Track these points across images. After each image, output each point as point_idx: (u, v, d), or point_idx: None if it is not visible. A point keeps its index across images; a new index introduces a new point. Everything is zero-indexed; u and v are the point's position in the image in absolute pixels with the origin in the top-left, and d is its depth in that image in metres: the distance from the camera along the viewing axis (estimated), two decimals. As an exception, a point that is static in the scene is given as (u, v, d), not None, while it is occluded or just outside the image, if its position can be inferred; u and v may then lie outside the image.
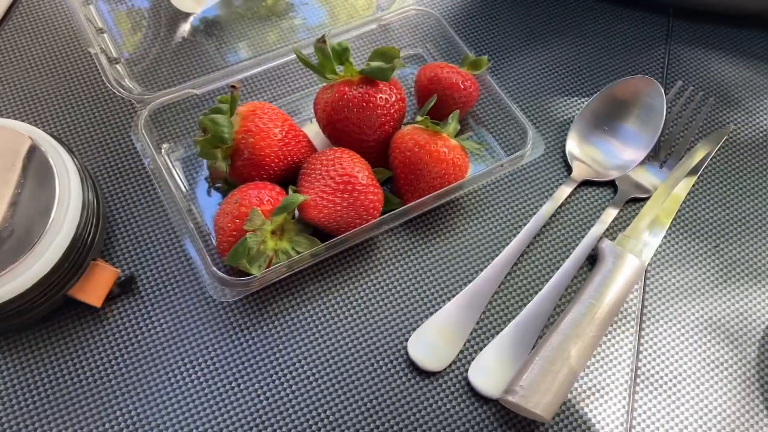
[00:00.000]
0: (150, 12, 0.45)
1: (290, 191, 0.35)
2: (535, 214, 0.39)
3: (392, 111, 0.37)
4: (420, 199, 0.36)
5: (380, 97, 0.37)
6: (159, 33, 0.45)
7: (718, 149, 0.42)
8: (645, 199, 0.39)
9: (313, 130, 0.40)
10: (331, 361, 0.34)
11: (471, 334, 0.35)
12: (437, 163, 0.36)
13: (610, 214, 0.38)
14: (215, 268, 0.32)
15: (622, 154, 0.40)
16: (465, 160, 0.37)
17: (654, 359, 0.35)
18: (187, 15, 0.45)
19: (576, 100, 0.43)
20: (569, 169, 0.40)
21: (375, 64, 0.37)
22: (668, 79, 0.44)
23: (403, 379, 0.34)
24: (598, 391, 0.34)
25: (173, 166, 0.39)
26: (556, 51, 0.46)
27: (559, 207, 0.39)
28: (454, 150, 0.36)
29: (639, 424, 0.33)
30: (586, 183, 0.40)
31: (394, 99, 0.37)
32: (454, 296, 0.36)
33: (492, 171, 0.37)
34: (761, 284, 0.37)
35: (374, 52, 0.39)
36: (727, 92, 0.44)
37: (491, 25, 0.47)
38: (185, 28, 0.45)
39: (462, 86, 0.39)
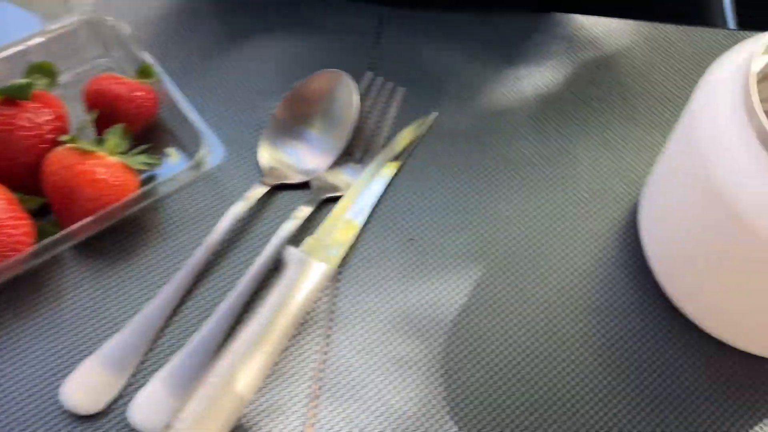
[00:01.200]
0: None
1: None
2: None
3: (43, 132, 0.34)
4: (76, 225, 0.33)
5: (25, 117, 0.34)
6: None
7: (423, 138, 0.41)
8: (339, 199, 0.38)
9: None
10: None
11: (138, 367, 0.32)
12: (89, 185, 0.33)
13: (303, 215, 0.37)
14: None
15: (313, 155, 0.39)
16: (127, 178, 0.34)
17: (340, 366, 0.33)
18: None
19: (275, 102, 0.41)
20: (263, 174, 0.38)
21: (16, 81, 0.34)
22: (377, 71, 0.43)
23: (58, 427, 0.30)
24: (276, 410, 0.32)
25: None
26: (261, 51, 0.44)
27: (252, 214, 0.37)
28: (112, 168, 0.33)
29: (317, 438, 0.31)
30: (281, 187, 0.38)
31: (45, 118, 0.34)
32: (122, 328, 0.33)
33: (170, 182, 0.35)
34: (451, 275, 0.36)
35: (29, 67, 0.35)
36: (438, 79, 0.43)
37: (187, 29, 0.44)
38: None
39: (129, 97, 0.36)
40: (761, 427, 0.32)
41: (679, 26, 0.47)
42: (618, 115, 0.42)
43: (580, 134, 0.41)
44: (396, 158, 0.39)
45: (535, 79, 0.44)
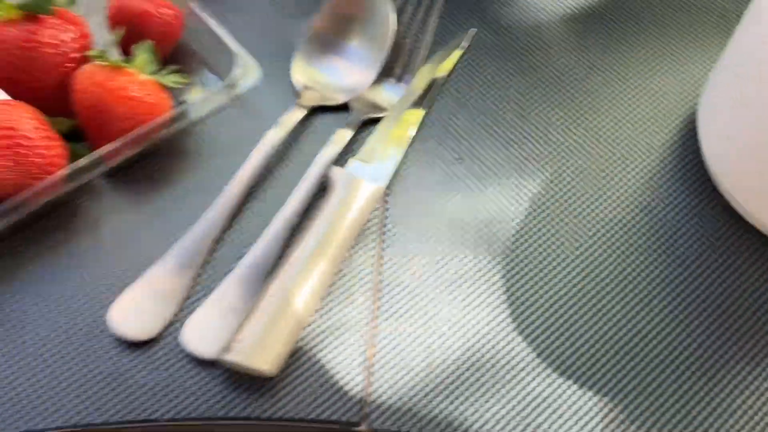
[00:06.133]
0: None
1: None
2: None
3: (68, 50, 0.32)
4: (109, 147, 0.31)
5: (48, 34, 0.31)
6: None
7: (464, 56, 0.39)
8: (379, 120, 0.36)
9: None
10: (26, 350, 0.29)
11: (189, 291, 0.31)
12: (123, 102, 0.31)
13: (344, 137, 0.35)
14: None
15: (350, 74, 0.37)
16: (161, 96, 0.32)
17: (397, 286, 0.32)
18: None
19: (306, 20, 0.39)
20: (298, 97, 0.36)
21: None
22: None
23: (110, 354, 0.29)
24: (336, 330, 0.30)
25: None
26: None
27: (290, 137, 0.35)
28: (145, 86, 0.31)
29: (382, 356, 0.30)
30: (320, 109, 0.36)
31: (69, 36, 0.32)
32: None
33: (203, 104, 0.33)
34: (503, 194, 0.35)
35: (45, -16, 0.33)
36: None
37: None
38: None
39: (156, 14, 0.34)
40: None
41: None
42: (670, 27, 0.41)
43: (631, 46, 0.40)
44: (436, 76, 0.38)
45: (572, -6, 0.42)
